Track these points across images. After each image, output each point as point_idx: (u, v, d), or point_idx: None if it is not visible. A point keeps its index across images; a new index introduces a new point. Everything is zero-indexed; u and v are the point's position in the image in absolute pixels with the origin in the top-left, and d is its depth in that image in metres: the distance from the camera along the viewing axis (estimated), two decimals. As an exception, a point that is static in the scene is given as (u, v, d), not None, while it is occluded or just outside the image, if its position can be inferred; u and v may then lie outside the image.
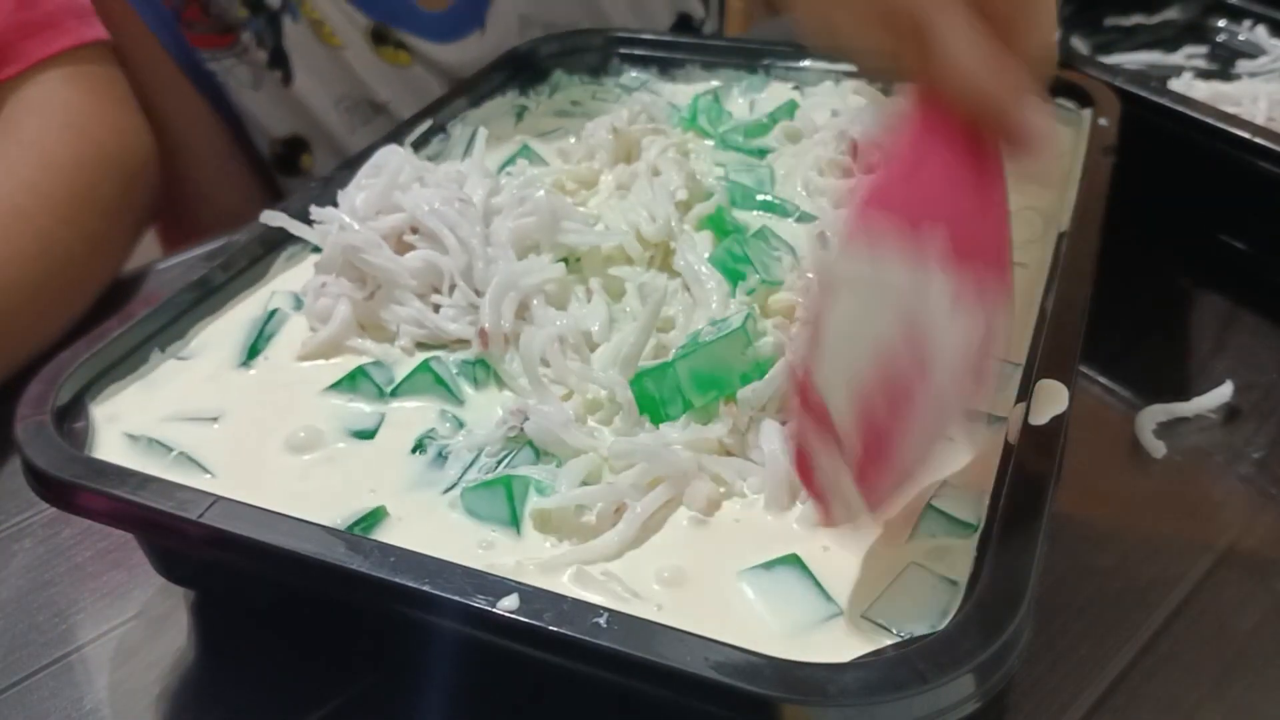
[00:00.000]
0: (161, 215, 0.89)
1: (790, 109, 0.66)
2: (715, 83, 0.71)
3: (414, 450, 0.44)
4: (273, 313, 0.51)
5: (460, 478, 0.42)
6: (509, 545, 0.39)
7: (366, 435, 0.45)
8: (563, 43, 0.74)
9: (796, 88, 0.70)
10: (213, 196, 0.87)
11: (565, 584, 0.37)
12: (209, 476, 0.42)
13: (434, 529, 0.40)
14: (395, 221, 0.51)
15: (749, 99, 0.70)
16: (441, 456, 0.43)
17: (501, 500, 0.40)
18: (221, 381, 0.48)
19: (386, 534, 0.39)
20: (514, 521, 0.40)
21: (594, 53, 0.74)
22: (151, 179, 0.72)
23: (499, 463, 0.42)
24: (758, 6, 1.22)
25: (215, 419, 0.46)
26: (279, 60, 0.83)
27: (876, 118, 0.61)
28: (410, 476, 0.42)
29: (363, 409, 0.46)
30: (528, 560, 0.38)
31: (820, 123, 0.63)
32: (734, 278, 0.49)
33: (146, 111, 0.77)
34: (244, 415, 0.46)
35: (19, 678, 0.44)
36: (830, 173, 0.59)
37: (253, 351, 0.49)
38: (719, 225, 0.53)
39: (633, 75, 0.73)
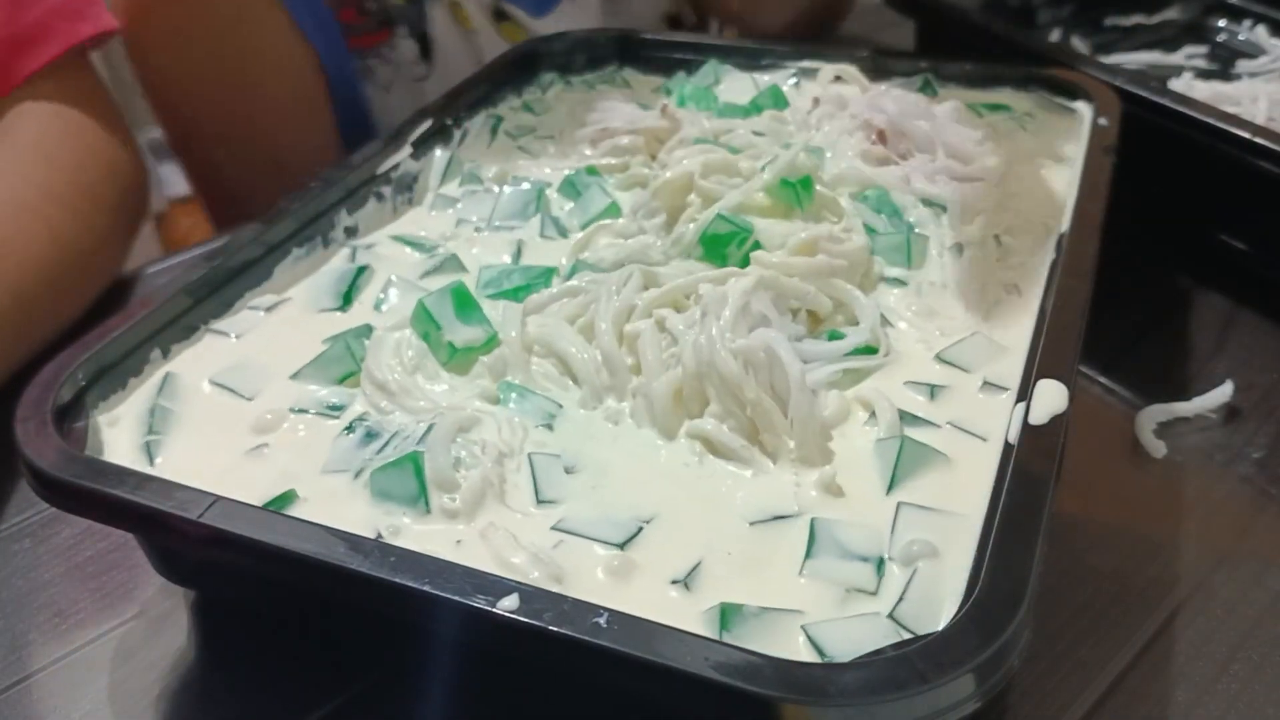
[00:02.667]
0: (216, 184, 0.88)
1: (774, 93, 0.66)
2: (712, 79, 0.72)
3: (346, 431, 0.44)
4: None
5: (374, 457, 0.42)
6: (416, 529, 0.39)
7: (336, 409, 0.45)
8: (564, 41, 0.74)
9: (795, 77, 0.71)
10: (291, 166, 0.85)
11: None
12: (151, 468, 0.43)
13: (339, 512, 0.40)
14: None
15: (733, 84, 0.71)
16: (369, 436, 0.43)
17: (410, 478, 0.40)
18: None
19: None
20: (422, 496, 0.40)
21: (596, 52, 0.74)
22: (143, 189, 0.72)
23: (419, 440, 0.42)
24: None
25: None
26: (428, 49, 0.82)
27: (898, 105, 0.62)
28: (332, 458, 0.43)
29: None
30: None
31: (802, 107, 0.65)
32: None
33: (248, 78, 0.76)
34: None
35: (19, 678, 0.44)
36: (869, 162, 0.59)
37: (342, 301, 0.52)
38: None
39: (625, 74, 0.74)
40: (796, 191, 0.52)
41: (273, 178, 0.78)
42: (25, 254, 0.59)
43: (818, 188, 0.54)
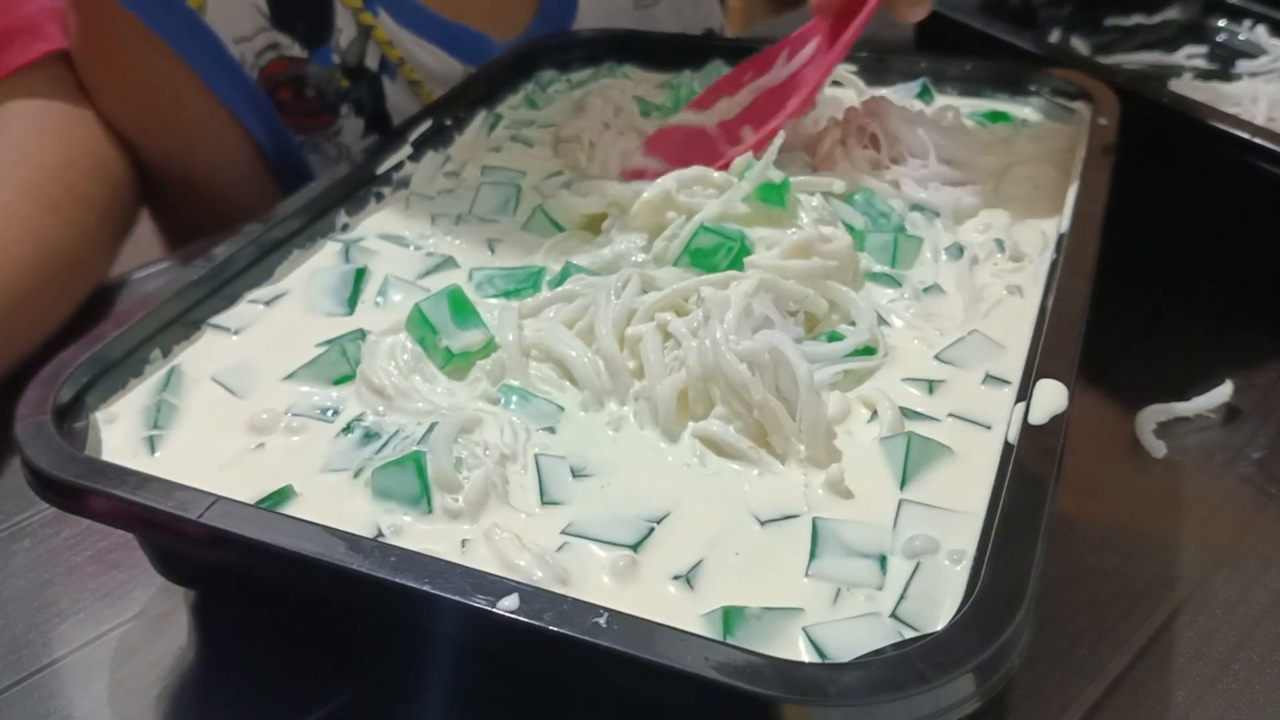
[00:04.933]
0: (170, 215, 0.88)
1: None
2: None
3: (344, 431, 0.44)
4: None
5: (374, 456, 0.42)
6: (419, 529, 0.39)
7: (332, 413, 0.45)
8: (565, 40, 0.74)
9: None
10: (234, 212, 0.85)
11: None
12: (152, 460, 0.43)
13: (339, 508, 0.40)
14: None
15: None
16: (368, 437, 0.43)
17: (412, 477, 0.40)
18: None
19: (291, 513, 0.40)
20: (424, 495, 0.40)
21: (597, 50, 0.74)
22: (133, 188, 0.72)
23: (419, 440, 0.42)
24: (757, 7, 1.23)
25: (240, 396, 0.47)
26: (380, 123, 0.80)
27: (892, 110, 0.62)
28: (331, 456, 0.43)
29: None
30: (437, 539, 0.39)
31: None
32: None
33: (189, 155, 0.75)
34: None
35: (19, 678, 0.44)
36: (860, 167, 0.59)
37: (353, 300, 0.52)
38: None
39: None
40: (780, 193, 0.52)
41: (217, 222, 0.77)
42: (6, 264, 0.58)
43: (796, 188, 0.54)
